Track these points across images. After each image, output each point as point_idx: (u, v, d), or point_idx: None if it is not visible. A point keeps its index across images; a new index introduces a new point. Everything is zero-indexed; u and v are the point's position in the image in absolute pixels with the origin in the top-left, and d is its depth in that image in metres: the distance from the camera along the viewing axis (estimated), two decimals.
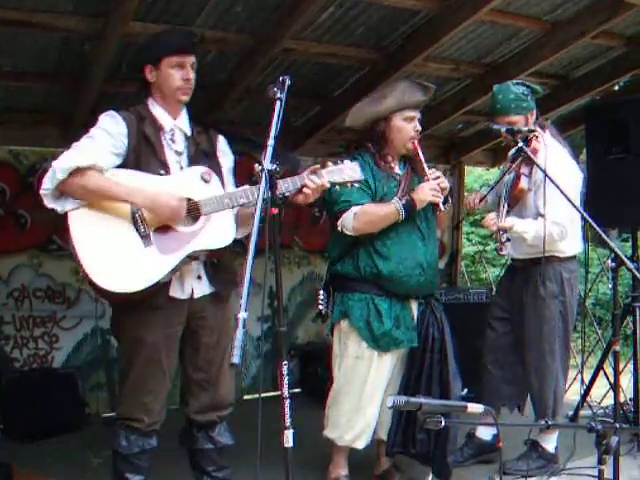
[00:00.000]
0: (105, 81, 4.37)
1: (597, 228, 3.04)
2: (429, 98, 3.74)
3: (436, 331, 3.66)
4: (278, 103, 2.51)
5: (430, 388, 3.61)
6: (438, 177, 3.60)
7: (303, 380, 5.92)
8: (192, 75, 3.03)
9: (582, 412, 4.86)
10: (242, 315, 2.00)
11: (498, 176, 4.28)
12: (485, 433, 4.13)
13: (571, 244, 3.90)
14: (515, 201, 3.85)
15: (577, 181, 3.93)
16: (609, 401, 5.15)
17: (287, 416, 2.38)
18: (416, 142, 3.66)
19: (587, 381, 4.95)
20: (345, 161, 3.04)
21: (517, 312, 3.99)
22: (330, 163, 3.02)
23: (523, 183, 3.80)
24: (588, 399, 5.01)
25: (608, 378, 4.88)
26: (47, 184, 2.80)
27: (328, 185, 2.95)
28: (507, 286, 4.15)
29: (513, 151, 3.90)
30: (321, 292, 3.75)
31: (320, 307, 3.72)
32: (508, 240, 3.65)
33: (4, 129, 4.85)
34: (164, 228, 2.88)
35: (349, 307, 3.60)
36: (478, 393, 4.20)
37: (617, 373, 3.16)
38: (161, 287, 2.91)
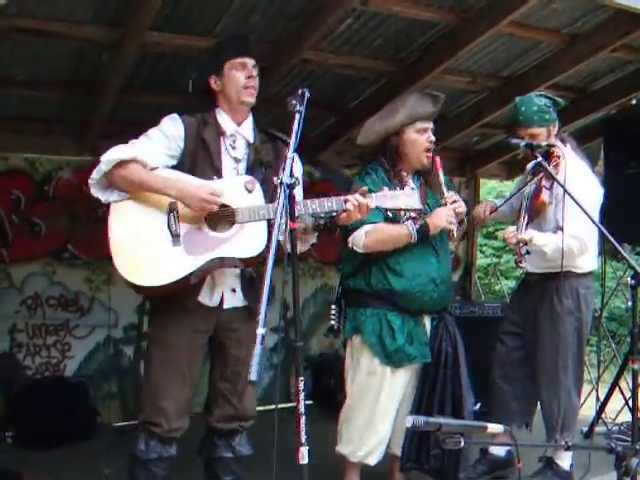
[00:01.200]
0: (121, 91, 4.39)
1: (617, 245, 3.00)
2: (439, 108, 3.70)
3: (449, 346, 3.62)
4: (298, 115, 2.49)
5: (443, 404, 3.58)
6: (455, 201, 3.55)
7: (315, 392, 5.87)
8: (255, 74, 3.09)
9: (597, 429, 4.80)
10: (260, 331, 1.98)
11: (514, 188, 4.24)
12: (499, 449, 4.10)
13: (588, 260, 3.87)
14: (536, 213, 3.82)
15: (597, 196, 3.89)
16: (624, 417, 5.11)
17: (302, 432, 2.35)
18: (438, 160, 3.62)
19: (602, 396, 4.89)
20: (406, 187, 3.03)
21: (531, 327, 3.94)
22: (386, 188, 3.01)
23: (545, 196, 3.76)
24: (603, 415, 4.96)
25: (623, 394, 4.83)
26: (94, 174, 2.89)
27: (373, 205, 2.90)
28: (520, 300, 4.11)
29: (532, 164, 3.87)
30: (333, 307, 3.74)
31: (332, 322, 3.70)
32: (528, 253, 3.60)
33: (19, 137, 4.88)
34: (197, 230, 2.90)
35: (361, 322, 3.57)
36: (489, 408, 4.15)
37: (635, 393, 3.11)
38: (190, 290, 2.94)
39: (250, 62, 3.09)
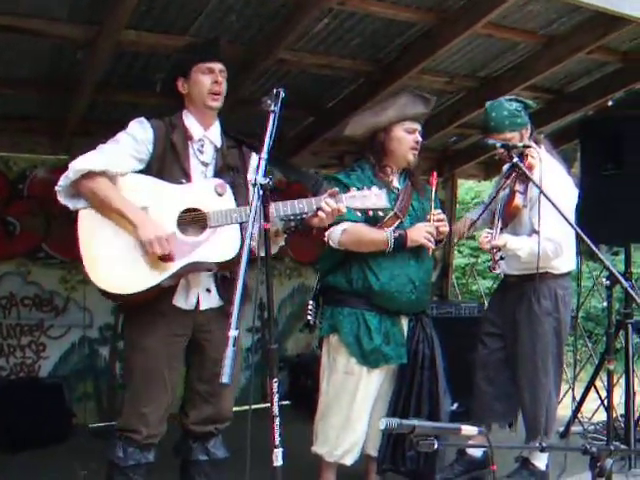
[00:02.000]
0: (97, 90, 4.34)
1: (593, 247, 3.00)
2: (430, 110, 3.72)
3: (426, 348, 3.62)
4: (272, 116, 2.47)
5: (420, 405, 3.58)
6: (441, 220, 3.55)
7: (292, 392, 5.88)
8: (222, 80, 3.08)
9: (573, 428, 4.83)
10: (232, 333, 1.96)
11: (491, 194, 4.25)
12: (476, 450, 4.09)
13: (565, 261, 3.88)
14: (510, 218, 3.83)
15: (572, 197, 3.90)
16: (600, 417, 5.14)
17: (277, 434, 2.35)
18: (435, 176, 3.63)
19: (578, 396, 4.92)
20: (372, 187, 3.01)
21: (510, 328, 3.96)
22: (354, 189, 3.01)
23: (518, 200, 3.77)
24: (579, 415, 4.99)
25: (599, 394, 4.86)
26: (61, 181, 2.87)
27: (345, 210, 2.92)
28: (499, 302, 4.12)
29: (507, 166, 3.89)
30: (310, 302, 3.73)
31: (309, 317, 3.69)
32: (502, 258, 3.62)
33: None
34: (169, 235, 2.87)
35: (339, 322, 3.56)
36: (469, 408, 4.17)
37: (611, 393, 3.13)
38: (163, 294, 2.93)
39: (217, 67, 3.08)
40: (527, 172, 3.41)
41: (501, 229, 3.74)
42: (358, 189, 3.02)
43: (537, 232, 3.68)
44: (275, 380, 2.37)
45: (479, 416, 4.05)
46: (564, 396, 5.31)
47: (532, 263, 3.66)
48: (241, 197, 3.10)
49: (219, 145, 3.13)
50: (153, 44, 3.98)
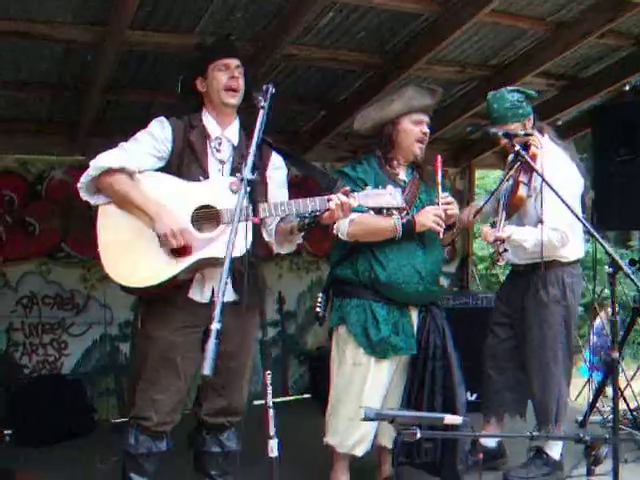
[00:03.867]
0: (108, 90, 4.42)
1: (595, 234, 2.99)
2: (437, 102, 3.71)
3: (437, 338, 3.62)
4: (261, 112, 2.49)
5: (433, 396, 3.59)
6: (449, 203, 3.55)
7: (312, 385, 5.91)
8: (238, 75, 3.15)
9: (592, 417, 4.78)
10: (215, 326, 1.98)
11: (497, 184, 4.23)
12: (490, 440, 4.09)
13: (573, 249, 3.85)
14: (514, 209, 3.81)
15: (577, 186, 3.87)
16: (622, 406, 5.09)
17: (271, 425, 2.37)
18: (439, 160, 3.62)
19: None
20: (388, 186, 3.02)
21: (519, 317, 3.94)
22: (369, 187, 3.03)
23: (522, 191, 3.75)
24: (599, 404, 4.94)
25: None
26: (83, 179, 2.99)
27: (355, 205, 2.95)
28: (509, 291, 4.11)
29: (511, 157, 3.86)
30: (320, 295, 3.75)
31: (317, 309, 3.72)
32: (506, 250, 3.59)
33: (10, 138, 4.92)
34: (184, 230, 2.94)
35: (346, 313, 3.59)
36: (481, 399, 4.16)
37: (616, 381, 3.11)
38: (180, 287, 3.03)
39: (233, 63, 3.15)
40: (530, 161, 3.38)
41: (505, 221, 3.71)
42: (375, 187, 3.04)
43: (541, 222, 3.67)
44: (268, 372, 2.38)
45: (489, 406, 4.06)
46: (584, 386, 5.29)
47: (539, 253, 3.65)
48: (259, 194, 3.12)
49: (236, 143, 3.20)
50: (159, 44, 4.01)
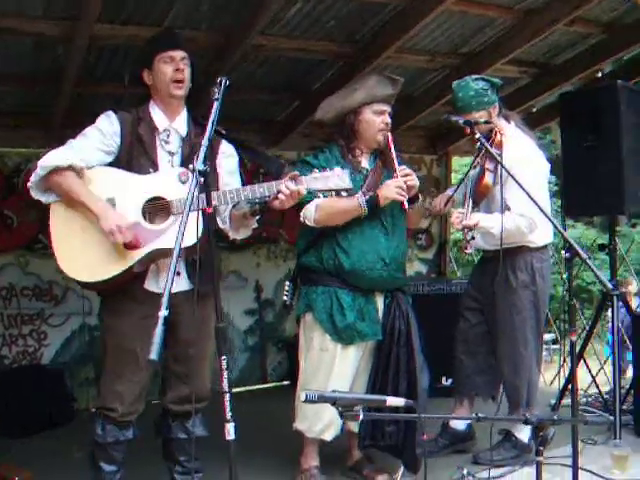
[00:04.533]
0: (79, 83, 4.46)
1: (553, 221, 3.05)
2: (398, 91, 3.73)
3: (402, 324, 3.67)
4: (215, 104, 2.52)
5: (397, 381, 3.64)
6: (408, 175, 3.58)
7: (291, 372, 5.95)
8: (183, 67, 3.13)
9: (564, 401, 4.85)
10: (162, 313, 2.03)
11: (465, 172, 4.27)
12: (459, 423, 4.15)
13: (541, 234, 3.88)
14: (480, 197, 3.84)
15: (543, 171, 3.91)
16: (594, 390, 5.18)
17: (227, 410, 2.43)
18: (389, 137, 3.65)
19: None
20: (335, 168, 3.05)
21: (489, 302, 3.98)
22: (316, 170, 3.05)
23: (488, 179, 3.79)
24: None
25: (588, 366, 4.88)
26: (32, 178, 3.02)
27: (304, 192, 2.98)
28: (478, 277, 4.15)
29: (479, 144, 3.90)
30: (287, 283, 3.80)
31: (285, 298, 3.77)
32: (473, 238, 3.62)
33: None
34: (135, 224, 2.97)
35: (312, 300, 3.63)
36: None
37: (574, 365, 3.16)
38: (135, 279, 3.05)
39: (178, 55, 3.13)
40: (490, 149, 3.42)
41: (473, 208, 3.75)
42: (320, 170, 3.08)
43: (509, 209, 3.71)
44: (223, 357, 2.43)
45: (460, 390, 4.11)
46: (560, 370, 5.37)
47: (507, 239, 3.70)
48: (210, 183, 3.11)
49: (184, 134, 3.20)
50: (129, 36, 4.06)
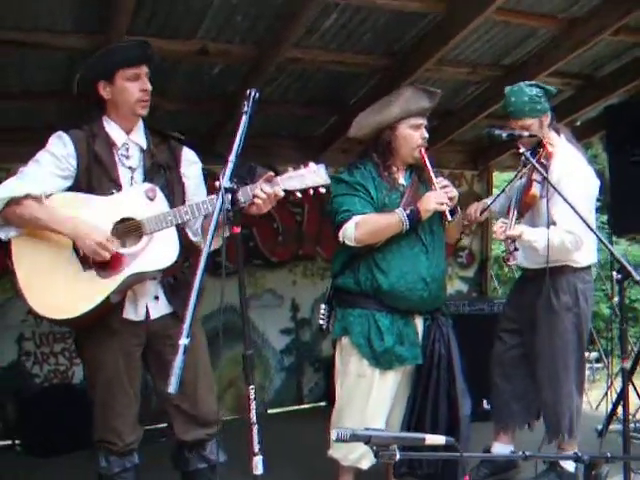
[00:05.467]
0: None
1: (603, 240, 2.89)
2: (435, 104, 3.59)
3: (442, 347, 3.51)
4: (244, 117, 2.39)
5: (437, 407, 3.49)
6: (446, 186, 3.45)
7: (328, 393, 5.79)
8: (148, 86, 2.94)
9: (612, 426, 4.62)
10: (183, 341, 1.89)
11: (508, 182, 4.11)
12: (502, 450, 3.96)
13: (586, 254, 3.71)
14: (526, 208, 3.69)
15: (593, 188, 3.74)
16: None
17: (255, 442, 2.28)
18: (423, 150, 3.52)
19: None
20: (310, 164, 2.85)
21: (528, 325, 3.81)
22: (290, 169, 2.83)
23: (535, 189, 3.63)
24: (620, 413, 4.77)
25: (637, 391, 4.64)
26: None
27: (282, 194, 2.77)
28: (517, 297, 3.98)
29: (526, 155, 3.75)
30: (322, 306, 3.67)
31: (321, 322, 3.63)
32: (516, 249, 3.48)
33: (20, 148, 4.84)
34: (109, 237, 2.78)
35: (349, 323, 3.49)
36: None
37: (626, 395, 2.96)
38: (112, 309, 2.86)
39: (143, 71, 2.93)
40: (535, 164, 3.26)
41: (517, 219, 3.60)
42: (295, 168, 2.84)
43: (554, 223, 3.55)
44: (252, 387, 2.28)
45: (498, 416, 3.93)
46: (606, 394, 5.14)
47: (551, 256, 3.52)
48: (177, 195, 3.01)
49: (144, 146, 3.00)
50: (161, 50, 3.95)
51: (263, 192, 2.73)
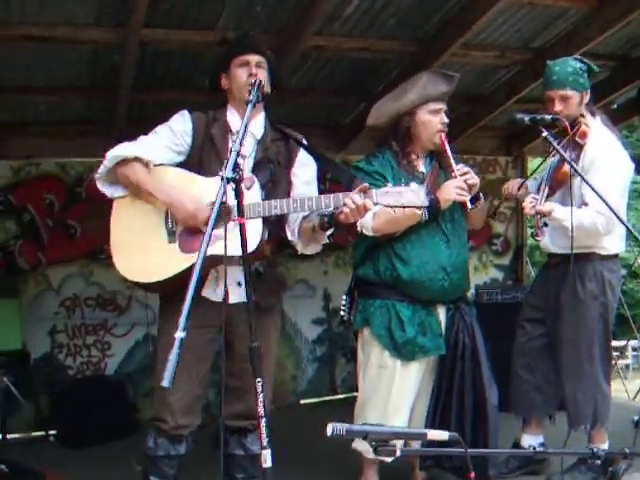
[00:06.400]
0: (137, 90, 4.40)
1: (627, 225, 2.78)
2: (453, 88, 3.51)
3: (467, 337, 3.45)
4: (249, 106, 2.38)
5: (463, 397, 3.43)
6: (466, 173, 3.38)
7: None
8: (256, 71, 3.01)
9: None
10: (179, 335, 1.87)
11: (542, 159, 3.99)
12: (531, 442, 3.86)
13: (614, 241, 3.58)
14: (558, 185, 3.57)
15: (626, 172, 3.61)
16: None
17: (264, 436, 2.26)
18: (443, 136, 3.45)
19: None
20: (412, 184, 2.81)
21: (552, 313, 3.69)
22: (389, 184, 2.82)
23: (567, 167, 3.52)
24: None
25: None
26: (100, 170, 2.98)
27: (372, 206, 2.75)
28: (542, 285, 3.85)
29: (557, 130, 3.65)
30: (344, 297, 3.62)
31: (342, 313, 3.59)
32: (545, 225, 3.36)
33: (52, 142, 4.97)
34: (193, 227, 2.87)
35: (370, 314, 3.45)
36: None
37: None
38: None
39: (253, 59, 3.04)
40: (559, 149, 3.15)
41: (548, 196, 3.50)
42: (396, 185, 2.83)
43: (586, 204, 3.44)
44: (259, 380, 2.26)
45: (518, 408, 3.82)
46: None
47: (579, 239, 3.41)
48: (281, 191, 3.07)
49: (259, 137, 3.09)
50: (182, 41, 4.00)
51: (352, 202, 2.72)
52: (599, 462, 3.46)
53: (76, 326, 5.16)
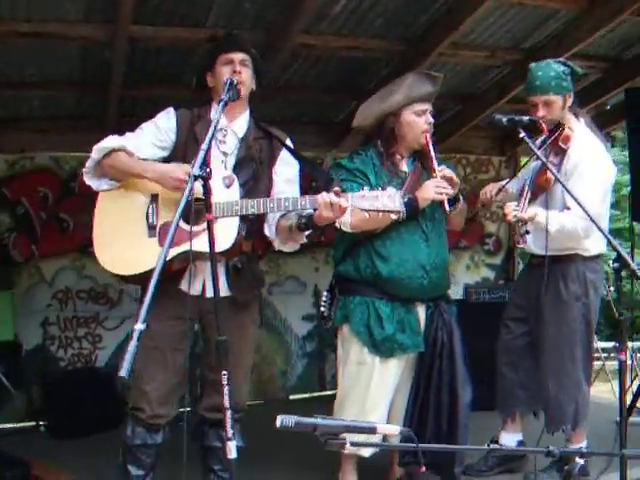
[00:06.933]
0: (128, 85, 4.45)
1: (607, 235, 2.81)
2: (438, 88, 3.53)
3: (445, 335, 3.47)
4: (220, 104, 2.42)
5: (440, 395, 3.45)
6: (447, 175, 3.41)
7: None
8: (240, 69, 3.07)
9: (632, 418, 4.48)
10: (138, 327, 1.91)
11: (523, 164, 4.00)
12: (510, 439, 3.88)
13: (596, 242, 3.60)
14: (540, 190, 3.59)
15: (609, 175, 3.62)
16: None
17: (228, 427, 2.31)
18: (428, 136, 3.47)
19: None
20: (388, 188, 2.84)
21: (534, 313, 3.71)
22: (366, 188, 2.85)
23: (549, 173, 3.54)
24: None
25: None
26: (87, 163, 3.07)
27: (346, 205, 2.78)
28: (525, 284, 3.88)
29: (541, 139, 3.67)
30: (324, 293, 3.65)
31: (322, 309, 3.62)
32: (527, 232, 3.39)
33: (45, 136, 5.02)
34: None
35: (350, 311, 3.47)
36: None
37: (623, 387, 2.86)
38: (172, 277, 2.96)
39: (237, 57, 3.10)
40: (533, 147, 3.16)
41: (530, 201, 3.51)
42: (372, 189, 2.86)
43: (569, 208, 3.46)
44: (224, 372, 2.31)
45: (502, 404, 3.85)
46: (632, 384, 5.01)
47: (561, 241, 3.44)
48: (262, 189, 3.12)
49: (242, 135, 3.15)
50: (171, 38, 4.04)
51: (323, 198, 2.77)
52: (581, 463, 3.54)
53: (68, 318, 5.21)
